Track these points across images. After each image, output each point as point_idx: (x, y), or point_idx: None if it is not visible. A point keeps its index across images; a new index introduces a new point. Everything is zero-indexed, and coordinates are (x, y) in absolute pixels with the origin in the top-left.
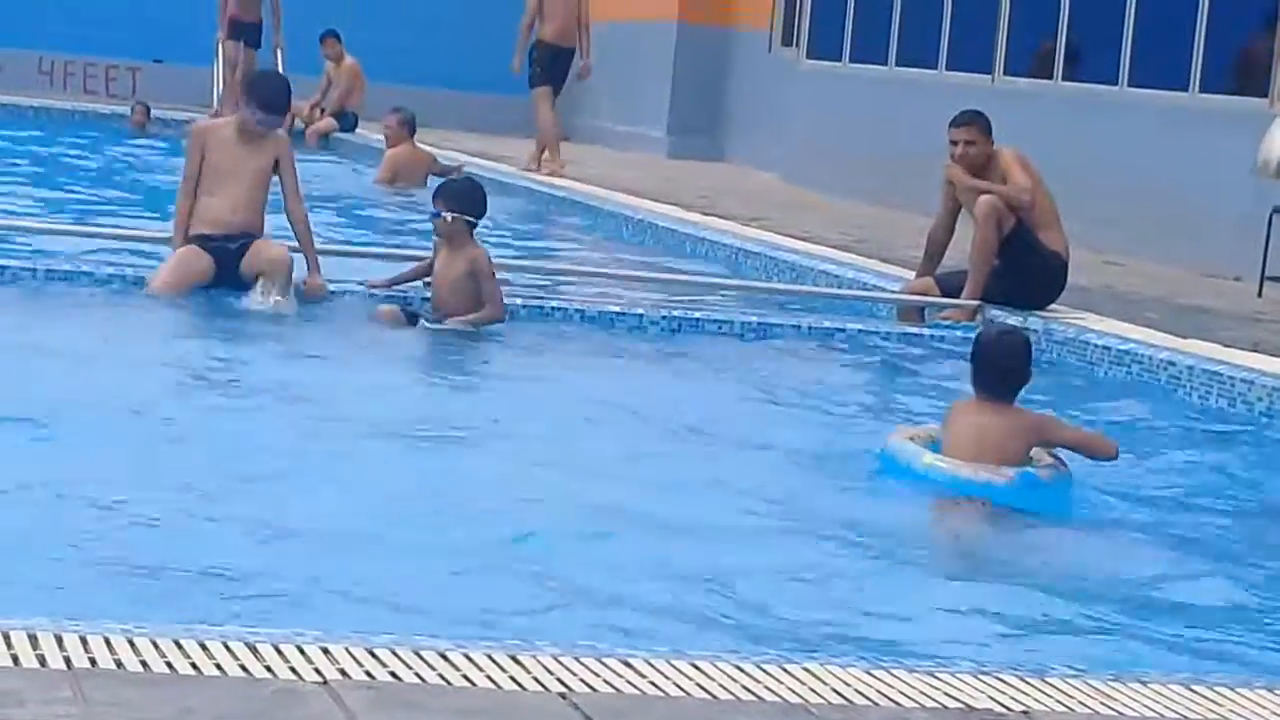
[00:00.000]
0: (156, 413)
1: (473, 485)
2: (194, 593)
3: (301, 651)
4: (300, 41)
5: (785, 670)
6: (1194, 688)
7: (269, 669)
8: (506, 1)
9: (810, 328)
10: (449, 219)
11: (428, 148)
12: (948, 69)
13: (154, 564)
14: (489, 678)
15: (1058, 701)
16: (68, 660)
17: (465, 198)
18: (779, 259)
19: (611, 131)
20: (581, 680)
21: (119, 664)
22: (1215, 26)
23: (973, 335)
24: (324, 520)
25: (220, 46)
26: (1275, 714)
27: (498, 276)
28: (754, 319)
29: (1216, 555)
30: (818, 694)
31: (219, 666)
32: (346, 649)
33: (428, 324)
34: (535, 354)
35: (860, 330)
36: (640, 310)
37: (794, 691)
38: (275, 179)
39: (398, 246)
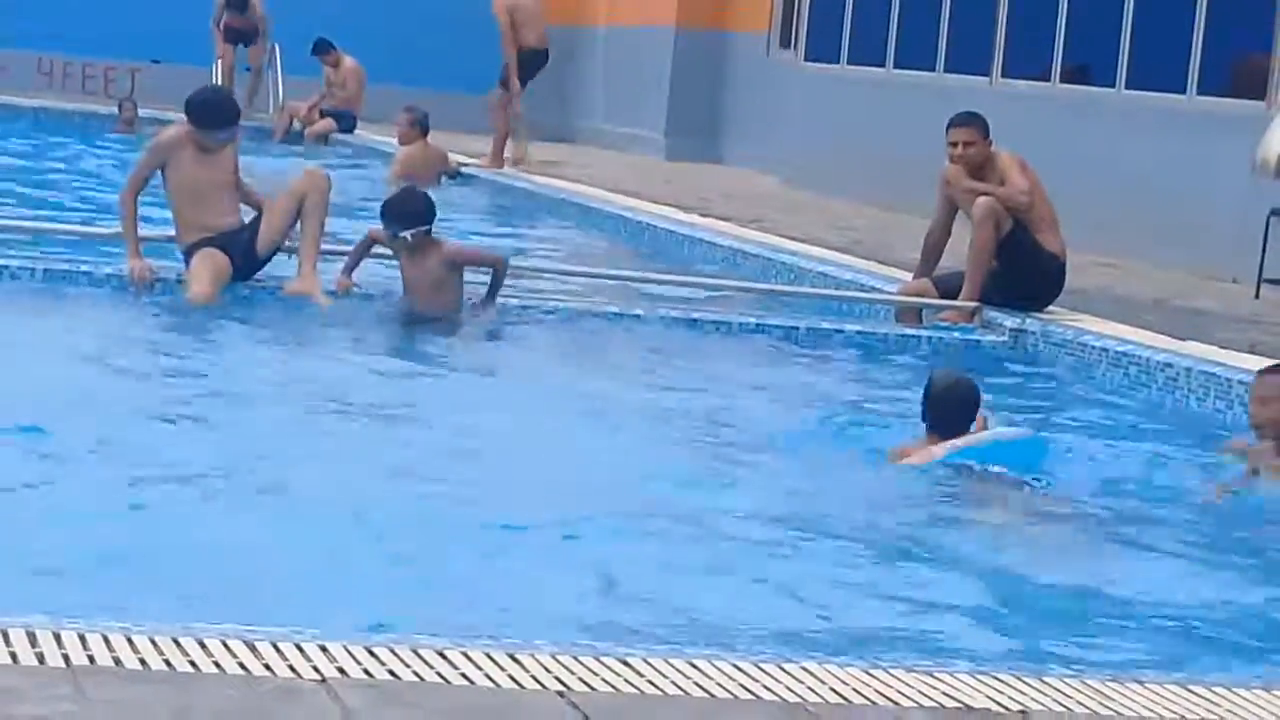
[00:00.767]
0: (155, 411)
1: (473, 485)
2: (192, 591)
3: (300, 649)
4: (300, 42)
5: (784, 670)
6: (1192, 688)
7: (267, 667)
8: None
9: (808, 329)
10: (409, 238)
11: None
12: (946, 71)
13: (154, 563)
14: (487, 676)
15: (1055, 701)
16: (66, 658)
17: (413, 213)
18: (777, 260)
19: (610, 134)
20: (580, 679)
21: (117, 661)
22: (1213, 29)
23: (971, 337)
24: (324, 519)
25: (218, 63)
26: (1273, 714)
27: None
28: (752, 320)
29: (1215, 556)
30: (816, 693)
31: (217, 664)
32: (345, 647)
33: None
34: (535, 354)
35: (858, 331)
36: (639, 311)
37: (793, 691)
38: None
39: None
